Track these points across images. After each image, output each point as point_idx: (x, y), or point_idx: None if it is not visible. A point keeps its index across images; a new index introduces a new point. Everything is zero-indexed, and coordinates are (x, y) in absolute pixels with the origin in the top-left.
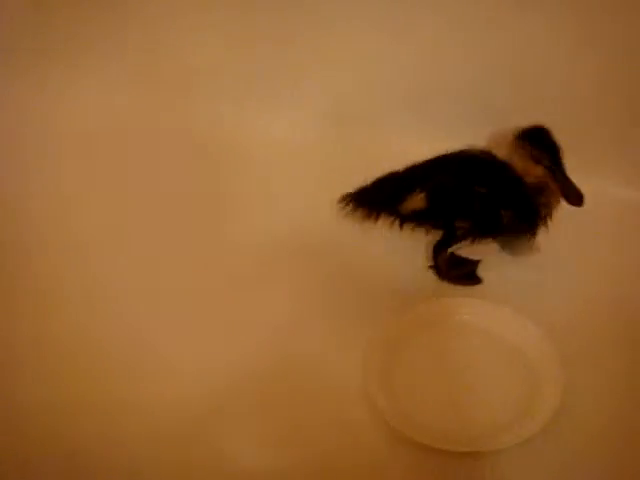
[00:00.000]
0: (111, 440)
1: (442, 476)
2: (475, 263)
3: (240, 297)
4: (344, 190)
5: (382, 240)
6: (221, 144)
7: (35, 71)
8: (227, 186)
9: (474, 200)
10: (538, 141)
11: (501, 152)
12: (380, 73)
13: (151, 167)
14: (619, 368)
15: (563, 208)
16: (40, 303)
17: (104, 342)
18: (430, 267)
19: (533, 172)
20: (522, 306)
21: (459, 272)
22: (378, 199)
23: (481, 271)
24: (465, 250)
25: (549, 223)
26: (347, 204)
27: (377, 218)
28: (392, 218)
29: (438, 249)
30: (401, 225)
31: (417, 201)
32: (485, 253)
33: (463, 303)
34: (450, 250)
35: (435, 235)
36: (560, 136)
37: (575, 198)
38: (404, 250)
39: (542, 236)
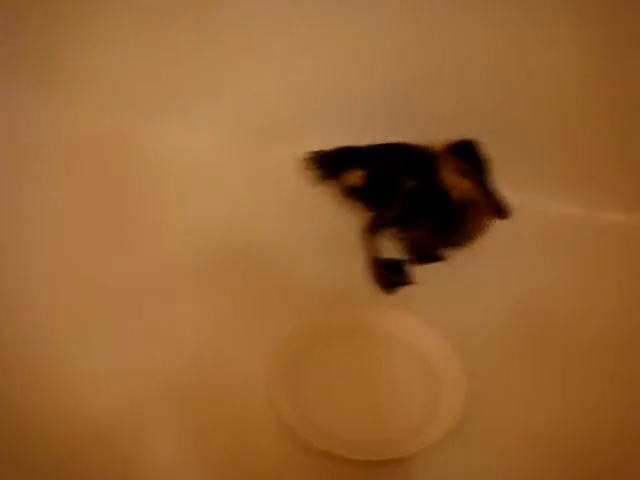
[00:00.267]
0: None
1: None
2: (404, 262)
3: (159, 301)
4: (265, 195)
5: (309, 242)
6: (135, 155)
7: None
8: (146, 195)
9: (405, 191)
10: (466, 154)
11: None
12: (303, 79)
13: (68, 179)
14: (524, 377)
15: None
16: None
17: (18, 345)
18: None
19: (461, 186)
20: (432, 315)
21: (389, 273)
22: (328, 164)
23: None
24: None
25: (477, 239)
26: (309, 164)
27: (327, 182)
28: (335, 188)
29: (368, 232)
30: (341, 198)
31: (356, 177)
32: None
33: (374, 311)
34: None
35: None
36: (490, 148)
37: (502, 211)
38: (332, 253)
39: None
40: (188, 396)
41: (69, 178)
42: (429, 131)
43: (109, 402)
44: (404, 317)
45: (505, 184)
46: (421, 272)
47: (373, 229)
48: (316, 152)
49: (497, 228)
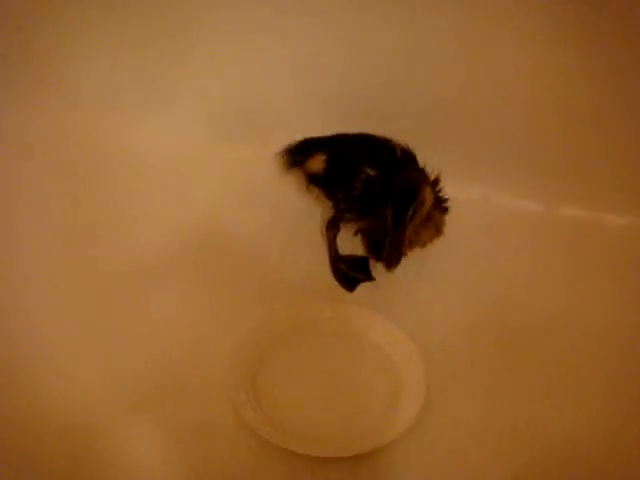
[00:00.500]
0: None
1: None
2: (366, 259)
3: (137, 294)
4: (236, 190)
5: (277, 238)
6: (111, 153)
7: None
8: (121, 191)
9: (364, 177)
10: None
11: None
12: (260, 76)
13: (35, 176)
14: (484, 371)
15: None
16: None
17: None
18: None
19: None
20: (393, 311)
21: (352, 269)
22: (294, 151)
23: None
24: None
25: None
26: (280, 153)
27: (294, 170)
28: (301, 176)
29: (330, 227)
30: (307, 186)
31: (318, 162)
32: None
33: (336, 307)
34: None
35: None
36: (450, 144)
37: (391, 261)
38: (297, 249)
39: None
40: (157, 394)
41: (46, 175)
42: (391, 127)
43: (80, 400)
44: (365, 312)
45: (468, 180)
46: (382, 269)
47: (334, 224)
48: (290, 144)
49: (459, 224)
